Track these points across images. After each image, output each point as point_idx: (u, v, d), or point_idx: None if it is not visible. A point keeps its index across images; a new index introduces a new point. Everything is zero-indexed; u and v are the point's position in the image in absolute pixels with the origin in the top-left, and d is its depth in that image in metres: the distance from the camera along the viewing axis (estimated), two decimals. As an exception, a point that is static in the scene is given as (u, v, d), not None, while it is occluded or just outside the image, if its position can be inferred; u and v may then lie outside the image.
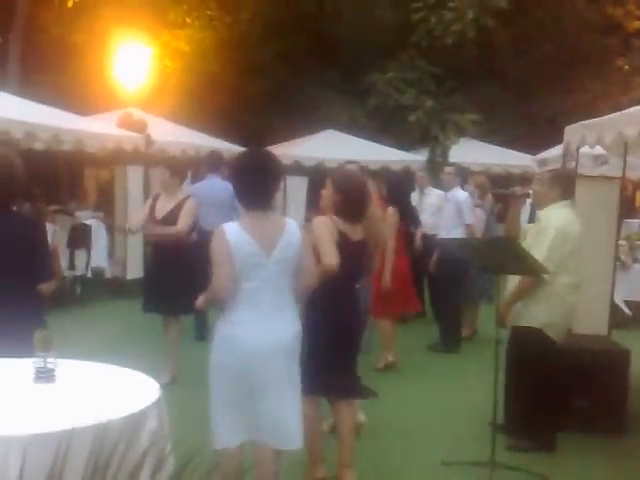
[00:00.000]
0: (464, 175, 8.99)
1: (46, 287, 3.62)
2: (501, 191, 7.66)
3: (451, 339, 8.21)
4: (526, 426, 5.24)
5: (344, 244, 4.26)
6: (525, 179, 12.98)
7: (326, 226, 4.25)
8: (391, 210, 7.21)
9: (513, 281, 5.18)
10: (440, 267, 8.35)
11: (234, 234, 3.57)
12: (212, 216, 6.95)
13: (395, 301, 7.18)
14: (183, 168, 7.01)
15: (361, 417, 5.32)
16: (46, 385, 2.67)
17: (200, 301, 3.81)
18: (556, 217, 5.15)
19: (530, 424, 5.21)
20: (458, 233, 8.13)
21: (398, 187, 7.76)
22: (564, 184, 5.37)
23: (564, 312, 5.19)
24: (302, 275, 3.72)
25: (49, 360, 2.66)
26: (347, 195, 4.34)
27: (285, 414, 3.66)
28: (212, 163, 8.37)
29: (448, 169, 8.89)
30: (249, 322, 3.60)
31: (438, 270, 8.42)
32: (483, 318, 8.72)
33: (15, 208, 3.84)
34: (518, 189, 5.66)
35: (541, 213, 5.28)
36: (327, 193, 4.45)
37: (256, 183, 3.66)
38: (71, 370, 2.90)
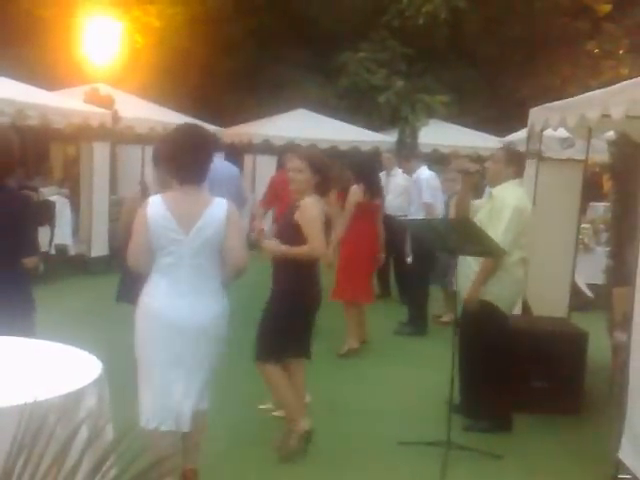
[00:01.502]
0: (419, 155, 9.07)
1: (29, 261, 3.69)
2: (454, 169, 7.67)
3: (418, 322, 8.18)
4: (482, 406, 5.29)
5: (326, 225, 4.59)
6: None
7: (319, 211, 4.51)
8: (355, 187, 7.17)
9: (467, 262, 5.19)
10: (407, 249, 8.35)
11: (153, 207, 3.62)
12: (223, 196, 7.13)
13: (348, 285, 7.12)
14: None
15: (307, 397, 5.34)
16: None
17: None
18: (511, 196, 5.21)
19: (485, 403, 5.27)
20: (422, 214, 8.16)
21: (364, 165, 7.72)
22: (519, 163, 5.48)
23: (514, 286, 5.32)
24: (227, 256, 3.71)
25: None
26: (326, 174, 4.60)
27: (185, 393, 3.69)
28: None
29: (386, 154, 9.35)
30: (164, 296, 3.64)
31: (405, 252, 8.42)
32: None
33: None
34: (471, 166, 5.67)
35: (494, 191, 5.33)
36: (304, 177, 4.55)
37: (192, 159, 3.68)
38: (10, 347, 2.85)
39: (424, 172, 8.61)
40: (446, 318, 8.42)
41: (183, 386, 3.68)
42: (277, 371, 4.64)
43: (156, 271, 3.67)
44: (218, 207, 3.68)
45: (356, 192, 7.12)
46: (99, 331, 6.38)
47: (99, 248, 10.60)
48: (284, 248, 4.51)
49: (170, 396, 3.66)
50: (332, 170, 4.91)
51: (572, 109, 5.62)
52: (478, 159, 15.15)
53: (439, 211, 8.30)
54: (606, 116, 4.92)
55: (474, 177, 5.58)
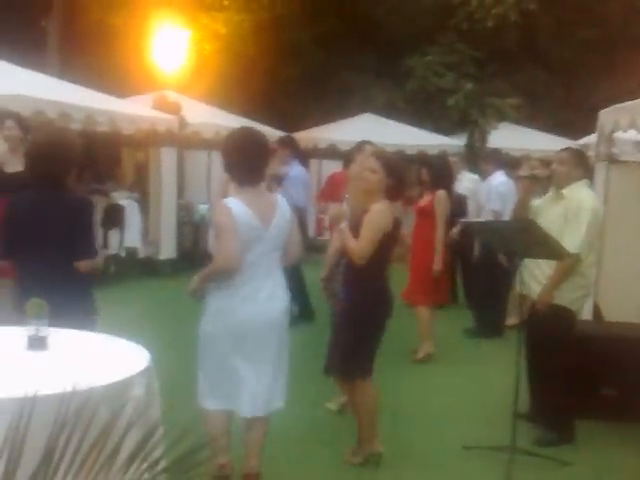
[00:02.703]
0: (500, 159, 8.81)
1: (84, 264, 3.65)
2: (523, 174, 7.46)
3: (486, 325, 8.01)
4: (548, 413, 5.13)
5: (396, 227, 4.42)
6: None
7: (385, 221, 4.33)
8: (441, 194, 7.07)
9: (537, 264, 5.03)
10: (476, 253, 8.22)
11: (238, 208, 3.71)
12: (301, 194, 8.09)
13: (428, 289, 7.05)
14: None
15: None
16: (37, 353, 2.67)
17: (195, 284, 3.84)
18: (587, 197, 5.08)
19: (552, 411, 5.10)
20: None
21: (445, 169, 7.60)
22: (586, 163, 5.33)
23: (585, 289, 5.18)
24: (288, 249, 3.90)
25: (41, 328, 2.66)
26: (400, 178, 4.46)
27: (270, 382, 3.83)
28: (294, 147, 8.72)
29: (453, 157, 9.06)
30: (246, 293, 3.74)
31: (474, 256, 8.30)
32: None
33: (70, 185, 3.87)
34: (540, 172, 5.52)
35: (565, 192, 5.15)
36: (377, 178, 4.40)
37: (251, 161, 3.80)
38: (65, 339, 2.90)
39: (497, 177, 8.42)
40: (510, 321, 8.23)
41: (251, 375, 3.76)
42: (368, 387, 4.49)
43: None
44: (284, 203, 3.88)
45: (445, 198, 7.06)
46: (166, 331, 6.49)
47: (167, 251, 10.80)
48: (347, 233, 4.38)
49: (232, 380, 3.76)
50: (407, 175, 4.71)
51: (641, 110, 5.45)
52: (549, 162, 14.83)
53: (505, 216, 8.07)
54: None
55: (542, 182, 5.42)
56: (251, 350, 3.74)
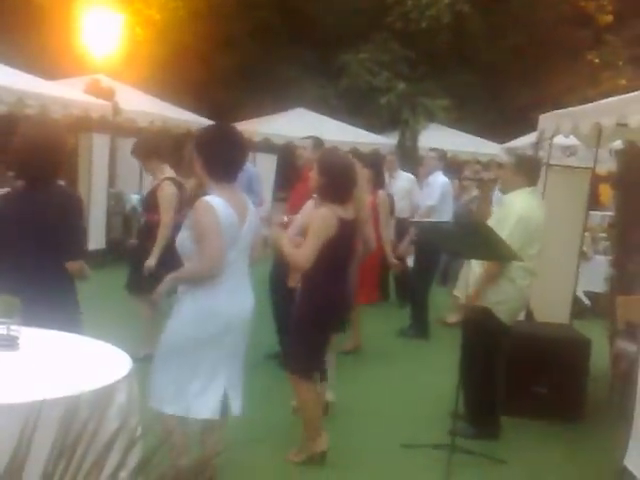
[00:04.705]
0: (443, 159, 8.90)
1: (73, 265, 3.52)
2: (469, 177, 7.63)
3: (421, 324, 8.10)
4: (470, 409, 5.25)
5: (342, 227, 4.28)
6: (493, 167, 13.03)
7: (325, 224, 4.25)
8: (383, 194, 7.11)
9: (471, 266, 5.14)
10: (413, 251, 8.33)
11: (221, 207, 3.66)
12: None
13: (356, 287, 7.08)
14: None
15: (330, 396, 5.31)
16: (9, 353, 2.55)
17: (167, 285, 3.79)
18: (520, 204, 5.12)
19: (473, 407, 5.22)
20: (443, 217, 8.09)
21: (380, 167, 7.68)
22: (529, 170, 5.30)
23: (515, 294, 5.14)
24: (254, 248, 3.88)
25: (12, 327, 2.54)
26: (332, 177, 4.35)
27: (237, 383, 3.86)
28: None
29: (431, 153, 8.82)
30: (228, 291, 3.71)
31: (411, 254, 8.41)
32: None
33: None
34: (485, 174, 5.65)
35: (506, 198, 5.28)
36: (314, 176, 4.45)
37: (228, 157, 3.76)
38: (36, 339, 2.78)
39: (440, 177, 8.54)
40: (451, 319, 8.40)
41: (228, 377, 3.77)
42: (307, 385, 4.49)
43: None
44: (250, 203, 3.87)
45: (386, 198, 7.13)
46: (93, 324, 6.31)
47: (96, 241, 10.52)
48: (284, 242, 4.40)
49: (217, 387, 3.74)
50: (345, 176, 4.45)
51: (586, 116, 5.59)
52: (477, 164, 15.21)
53: (445, 216, 8.18)
54: (619, 125, 4.93)
55: (489, 185, 5.52)
56: (228, 349, 3.73)
